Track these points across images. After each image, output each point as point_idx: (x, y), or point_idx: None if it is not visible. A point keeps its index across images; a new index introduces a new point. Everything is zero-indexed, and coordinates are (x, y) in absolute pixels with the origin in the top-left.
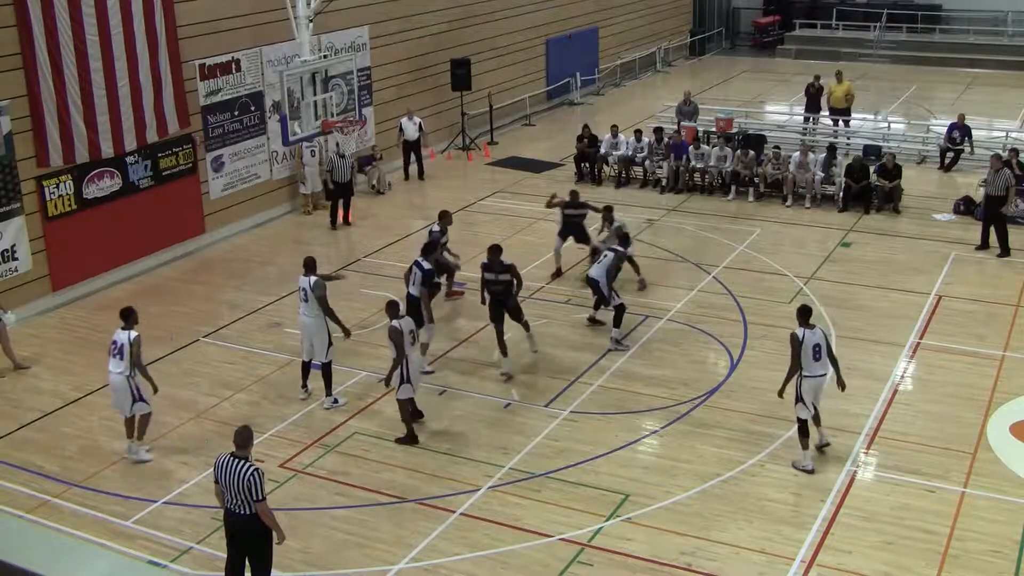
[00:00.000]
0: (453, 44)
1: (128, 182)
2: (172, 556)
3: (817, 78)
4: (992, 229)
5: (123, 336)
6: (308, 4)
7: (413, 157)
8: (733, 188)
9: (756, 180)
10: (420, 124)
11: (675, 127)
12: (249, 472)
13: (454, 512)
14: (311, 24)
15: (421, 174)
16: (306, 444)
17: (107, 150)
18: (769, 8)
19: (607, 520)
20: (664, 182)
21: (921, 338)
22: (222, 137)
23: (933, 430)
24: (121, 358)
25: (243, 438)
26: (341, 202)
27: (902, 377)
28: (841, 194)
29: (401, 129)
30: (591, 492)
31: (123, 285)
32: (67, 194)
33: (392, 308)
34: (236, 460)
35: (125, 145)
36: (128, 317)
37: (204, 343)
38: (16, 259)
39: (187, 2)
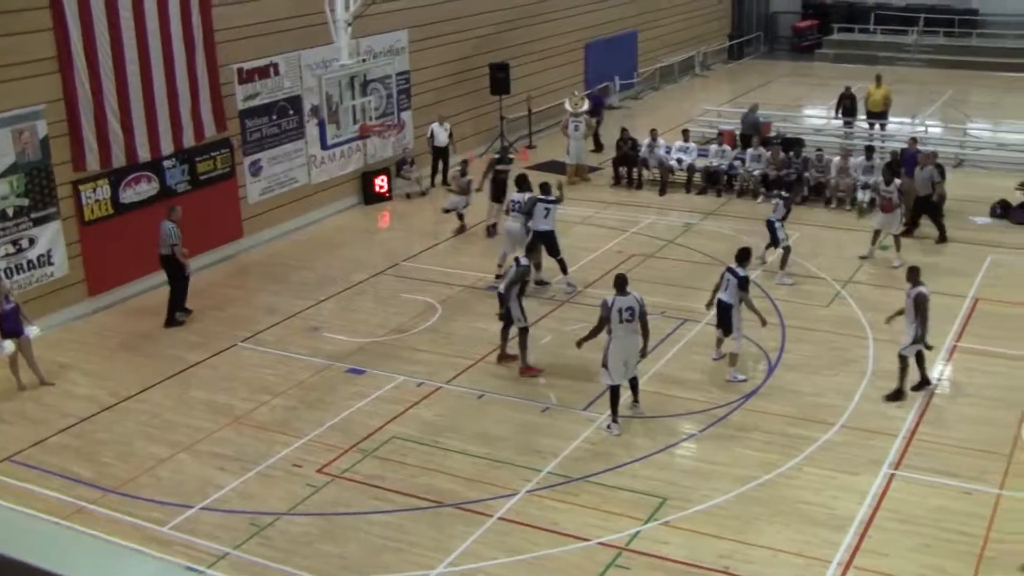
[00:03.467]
0: (492, 48)
1: (165, 186)
2: (209, 562)
3: (848, 88)
4: (928, 219)
5: None
6: (347, 8)
7: (441, 164)
8: (763, 191)
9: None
10: (450, 131)
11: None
12: None
13: (492, 516)
14: (350, 28)
15: (446, 180)
16: (344, 449)
17: (144, 154)
18: (807, 12)
19: (645, 524)
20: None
21: (958, 341)
22: (260, 141)
23: (969, 432)
24: None
25: None
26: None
27: (939, 380)
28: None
29: (432, 135)
30: (629, 496)
31: (159, 290)
32: (104, 198)
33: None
34: None
35: (162, 149)
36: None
37: (242, 348)
38: (52, 264)
39: (225, 6)
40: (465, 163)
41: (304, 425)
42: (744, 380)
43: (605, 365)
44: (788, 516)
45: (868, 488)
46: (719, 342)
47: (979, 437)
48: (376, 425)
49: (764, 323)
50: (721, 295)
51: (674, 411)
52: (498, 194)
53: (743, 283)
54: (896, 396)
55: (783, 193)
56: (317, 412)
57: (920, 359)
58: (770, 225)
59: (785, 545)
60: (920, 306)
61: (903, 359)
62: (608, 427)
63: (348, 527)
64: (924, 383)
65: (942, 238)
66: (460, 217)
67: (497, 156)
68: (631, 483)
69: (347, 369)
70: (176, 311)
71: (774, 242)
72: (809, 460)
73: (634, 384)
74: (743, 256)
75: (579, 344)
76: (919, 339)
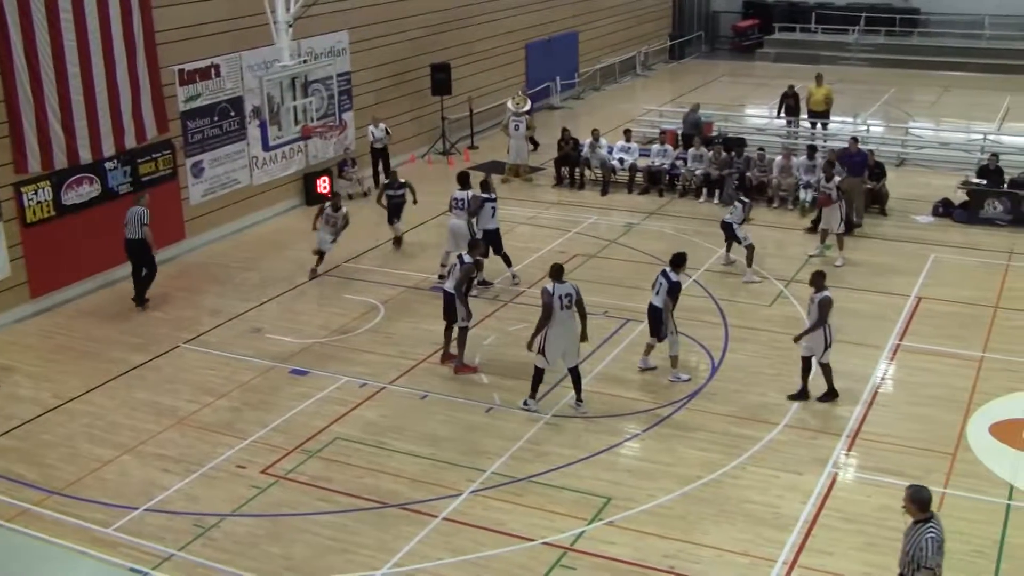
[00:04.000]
0: (433, 48)
1: (107, 188)
2: (154, 563)
3: (791, 87)
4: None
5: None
6: (287, 9)
7: (381, 165)
8: (705, 191)
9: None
10: (386, 130)
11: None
12: None
13: (436, 517)
14: (291, 29)
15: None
16: (287, 450)
17: (85, 156)
18: (748, 12)
19: (589, 523)
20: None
21: (901, 340)
22: (202, 143)
23: (914, 431)
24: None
25: None
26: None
27: (882, 379)
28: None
29: (372, 136)
30: (573, 496)
31: (103, 292)
32: (45, 200)
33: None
34: None
35: (104, 151)
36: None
37: (185, 349)
38: None
39: (165, 7)
40: (337, 196)
41: (248, 426)
42: (687, 380)
43: (542, 351)
44: (733, 516)
45: (812, 487)
46: (648, 348)
47: (923, 436)
48: (320, 426)
49: (660, 339)
50: (653, 299)
51: (617, 411)
52: (391, 217)
53: (674, 288)
54: (830, 395)
55: (743, 198)
56: (261, 413)
57: (828, 369)
58: (727, 227)
59: (730, 544)
60: (822, 310)
61: (824, 366)
62: (525, 403)
63: (293, 528)
64: (802, 394)
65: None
66: (320, 255)
67: (387, 182)
68: (575, 483)
69: (290, 370)
70: (143, 293)
71: (736, 241)
72: (753, 460)
73: (577, 381)
74: (678, 261)
75: (530, 346)
76: (830, 343)
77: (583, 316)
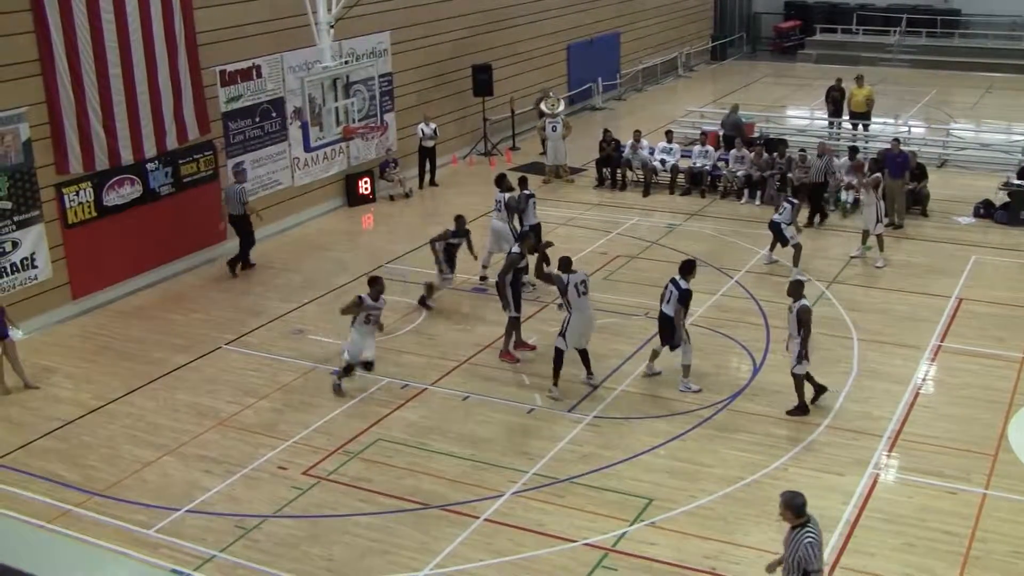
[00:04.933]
0: (474, 49)
1: (148, 189)
2: (195, 565)
3: (839, 81)
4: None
5: None
6: (329, 10)
7: (428, 165)
8: (746, 192)
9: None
10: (435, 130)
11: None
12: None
13: (478, 518)
14: (332, 30)
15: (433, 180)
16: (329, 451)
17: (127, 157)
18: (790, 13)
19: (631, 525)
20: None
21: (942, 341)
22: (243, 144)
23: (954, 432)
24: None
25: None
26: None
27: (923, 380)
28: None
29: (422, 134)
30: (615, 497)
31: (144, 293)
32: (87, 201)
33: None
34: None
35: (145, 152)
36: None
37: (226, 350)
38: (36, 267)
39: (207, 8)
40: (379, 281)
41: (289, 427)
42: (698, 391)
43: (563, 335)
44: (774, 517)
45: (853, 488)
46: (654, 355)
47: (964, 437)
48: (361, 427)
49: (672, 348)
50: (663, 307)
51: (659, 412)
52: (447, 265)
53: (684, 296)
54: (800, 411)
55: (791, 199)
56: (302, 414)
57: (808, 374)
58: (775, 227)
59: (771, 546)
60: (802, 320)
61: (797, 378)
62: (549, 391)
63: (334, 529)
64: (819, 392)
65: (816, 223)
66: (429, 289)
67: (452, 229)
68: (617, 484)
69: (332, 371)
70: (241, 262)
71: (781, 242)
72: (794, 460)
73: (586, 359)
74: (687, 268)
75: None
76: (804, 355)
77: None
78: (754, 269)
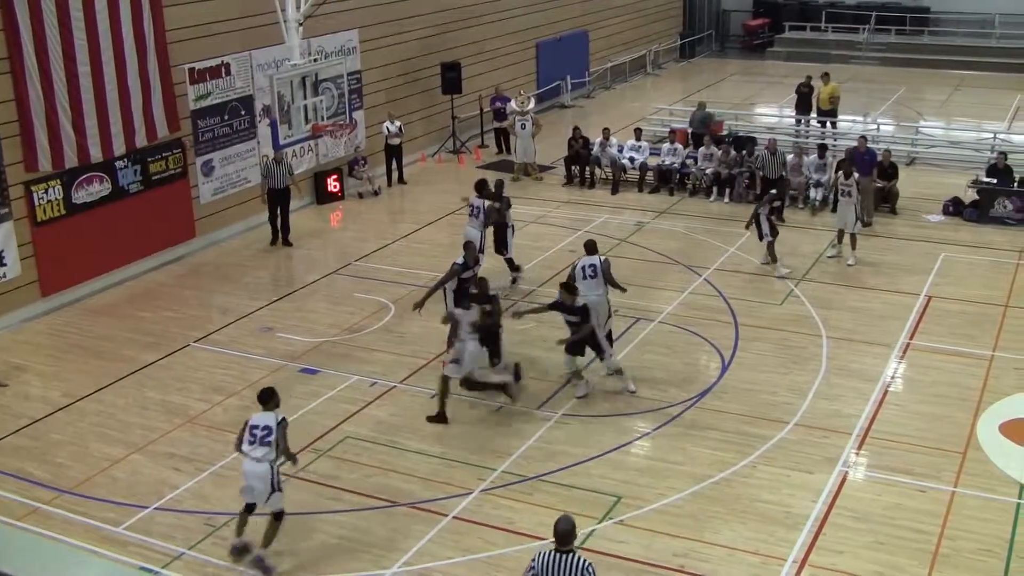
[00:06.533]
0: (443, 47)
1: (118, 187)
2: (164, 562)
3: (808, 78)
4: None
5: (266, 419)
6: (298, 8)
7: (395, 163)
8: (715, 190)
9: (739, 179)
10: (400, 127)
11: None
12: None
13: (447, 516)
14: (301, 28)
15: (401, 178)
16: (298, 449)
17: (96, 155)
18: (759, 10)
19: (600, 522)
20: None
21: (911, 339)
22: (212, 141)
23: (924, 430)
24: (262, 444)
25: None
26: (279, 212)
27: (893, 378)
28: (832, 195)
29: (387, 131)
30: (583, 494)
31: (113, 290)
32: (56, 199)
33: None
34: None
35: (114, 150)
36: (269, 399)
37: (195, 348)
38: (4, 265)
39: (176, 6)
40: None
41: None
42: (633, 392)
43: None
44: (743, 514)
45: (823, 486)
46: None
47: (933, 435)
48: (330, 425)
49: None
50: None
51: (627, 409)
52: (499, 245)
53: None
54: (438, 418)
55: (772, 192)
56: None
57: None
58: (757, 219)
59: (740, 543)
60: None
61: (445, 380)
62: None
63: (303, 527)
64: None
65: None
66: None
67: (497, 205)
68: (585, 482)
69: (300, 369)
70: (283, 234)
71: (760, 235)
72: (764, 458)
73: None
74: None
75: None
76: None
77: (616, 286)
78: (723, 267)
